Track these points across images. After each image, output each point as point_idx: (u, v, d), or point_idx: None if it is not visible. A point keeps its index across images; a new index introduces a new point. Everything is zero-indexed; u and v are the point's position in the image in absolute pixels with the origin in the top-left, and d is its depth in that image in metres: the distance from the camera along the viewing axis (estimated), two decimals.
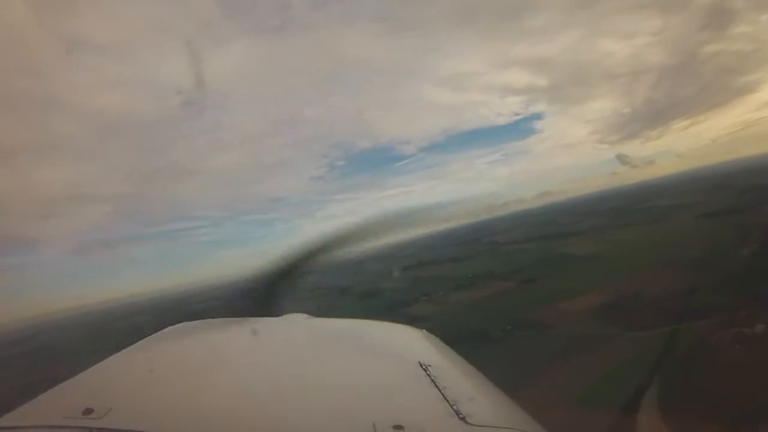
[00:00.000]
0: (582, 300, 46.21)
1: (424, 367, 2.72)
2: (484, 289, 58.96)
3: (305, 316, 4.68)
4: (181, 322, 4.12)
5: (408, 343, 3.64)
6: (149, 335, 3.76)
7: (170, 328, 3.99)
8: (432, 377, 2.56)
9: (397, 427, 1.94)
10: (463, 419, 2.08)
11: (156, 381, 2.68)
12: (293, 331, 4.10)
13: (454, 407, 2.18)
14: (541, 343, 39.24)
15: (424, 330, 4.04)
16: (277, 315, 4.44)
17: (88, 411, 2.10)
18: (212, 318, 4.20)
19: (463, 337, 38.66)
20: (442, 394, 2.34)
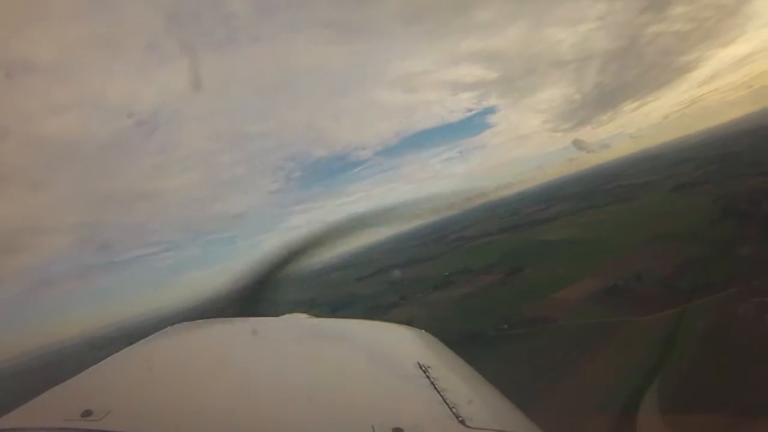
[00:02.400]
0: (578, 287, 44.55)
1: (423, 368, 2.78)
2: (465, 285, 56.37)
3: (305, 316, 4.96)
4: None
5: (407, 344, 3.79)
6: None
7: (169, 327, 4.08)
8: (431, 379, 2.61)
9: (396, 429, 1.98)
10: (462, 422, 2.11)
11: (155, 382, 2.77)
12: (293, 332, 4.26)
13: (454, 410, 2.21)
14: (546, 339, 36.76)
15: (422, 330, 4.19)
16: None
17: (87, 413, 2.13)
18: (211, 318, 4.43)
19: (453, 340, 35.28)
20: (442, 397, 2.38)
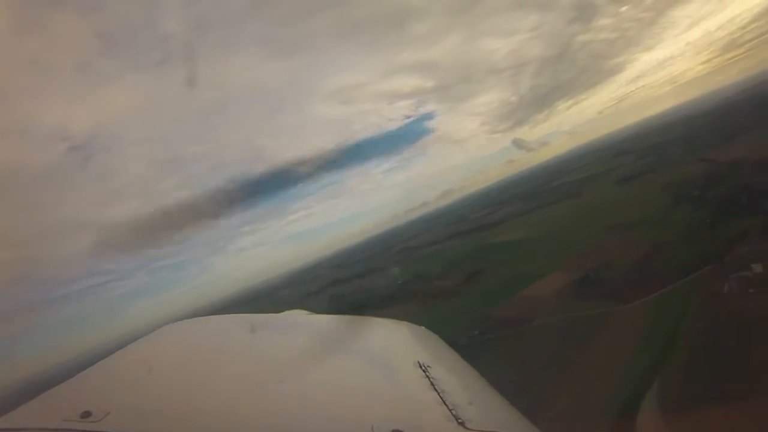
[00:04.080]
0: (546, 283, 42.96)
1: (423, 367, 2.83)
2: (421, 293, 53.49)
3: (305, 312, 5.20)
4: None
5: (407, 342, 3.84)
6: None
7: (168, 325, 4.18)
8: (431, 379, 2.64)
9: (396, 431, 2.01)
10: (462, 424, 2.13)
11: (155, 382, 2.83)
12: (292, 329, 4.40)
13: (453, 411, 2.24)
14: (525, 341, 34.40)
15: (423, 327, 4.26)
16: None
17: (86, 414, 2.18)
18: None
19: None
20: (441, 398, 2.40)
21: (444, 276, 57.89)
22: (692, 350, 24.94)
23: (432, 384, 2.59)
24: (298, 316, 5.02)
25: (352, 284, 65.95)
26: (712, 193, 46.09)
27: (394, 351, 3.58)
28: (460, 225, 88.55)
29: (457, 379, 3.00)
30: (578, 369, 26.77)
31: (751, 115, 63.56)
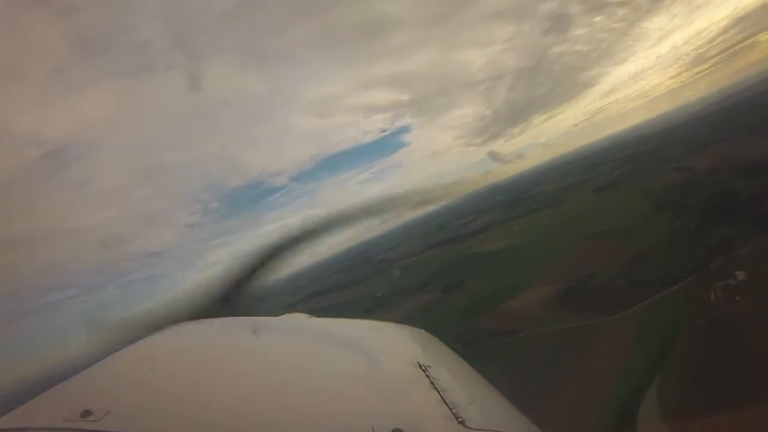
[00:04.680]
0: (530, 295, 42.27)
1: (423, 368, 2.81)
2: (402, 306, 52.14)
3: (305, 315, 5.02)
4: None
5: (407, 344, 3.79)
6: None
7: (169, 327, 4.06)
8: (431, 379, 2.64)
9: (396, 430, 2.02)
10: (462, 423, 2.14)
11: (155, 382, 2.81)
12: (293, 332, 4.31)
13: (453, 410, 2.25)
14: (512, 354, 33.52)
15: (422, 330, 4.17)
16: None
17: (86, 413, 2.18)
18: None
19: None
20: (442, 397, 2.41)
21: (424, 288, 56.87)
22: (686, 361, 24.57)
23: (432, 383, 2.61)
24: (299, 318, 5.00)
25: (330, 298, 64.38)
26: (693, 200, 46.75)
27: (394, 352, 3.57)
28: (440, 234, 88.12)
29: (457, 378, 3.01)
30: (568, 383, 25.94)
31: (723, 126, 65.62)
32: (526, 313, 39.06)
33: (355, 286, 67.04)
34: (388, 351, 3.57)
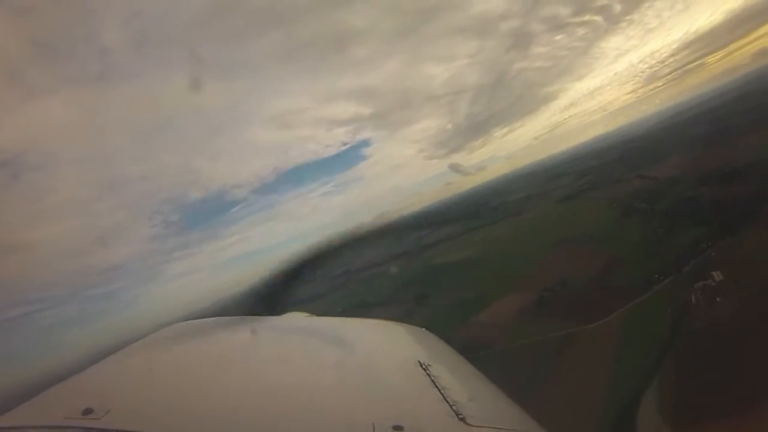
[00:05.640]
0: (503, 304, 40.69)
1: (423, 366, 2.90)
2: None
3: (305, 315, 5.22)
4: None
5: (408, 342, 3.99)
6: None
7: (170, 327, 4.24)
8: (432, 377, 2.70)
9: (397, 427, 2.05)
10: (462, 420, 2.19)
11: (155, 381, 2.87)
12: (293, 331, 4.45)
13: (454, 408, 2.29)
14: (489, 369, 31.78)
15: (423, 329, 4.41)
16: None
17: (87, 411, 2.23)
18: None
19: None
20: (442, 395, 2.46)
21: (389, 301, 54.73)
22: (677, 365, 23.63)
23: (433, 381, 2.61)
24: (298, 318, 4.96)
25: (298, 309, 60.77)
26: (658, 206, 47.41)
27: (395, 350, 3.59)
28: (400, 245, 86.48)
29: (458, 376, 3.02)
30: (552, 397, 24.24)
31: (679, 138, 68.35)
32: (500, 324, 37.48)
33: (318, 299, 63.87)
34: (389, 349, 3.63)
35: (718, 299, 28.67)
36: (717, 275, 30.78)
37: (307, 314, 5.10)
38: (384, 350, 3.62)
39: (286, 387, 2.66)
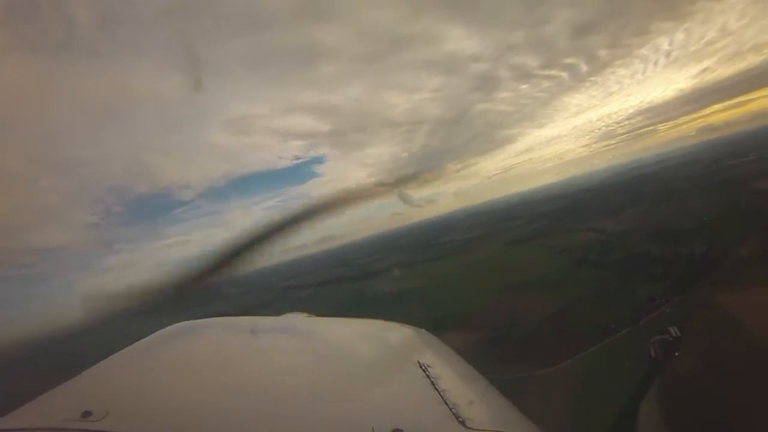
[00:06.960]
0: (448, 341, 38.41)
1: (423, 367, 2.87)
2: None
3: (304, 315, 4.99)
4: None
5: (407, 343, 3.83)
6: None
7: (169, 327, 4.09)
8: (431, 378, 2.67)
9: (396, 430, 2.04)
10: (462, 423, 2.16)
11: (155, 382, 2.88)
12: (292, 331, 4.39)
13: (454, 410, 2.27)
14: None
15: (423, 330, 4.21)
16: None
17: (86, 414, 2.22)
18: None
19: None
20: (442, 397, 2.44)
21: None
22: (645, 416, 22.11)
23: (432, 383, 2.59)
24: (298, 318, 4.80)
25: None
26: (609, 259, 47.57)
27: (394, 351, 3.56)
28: (343, 269, 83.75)
29: (458, 378, 2.92)
30: None
31: (628, 195, 71.04)
32: None
33: (257, 311, 58.58)
34: (389, 351, 3.61)
35: (676, 354, 27.85)
36: (674, 330, 30.15)
37: (307, 314, 4.85)
38: (383, 351, 3.60)
39: (285, 388, 2.67)
